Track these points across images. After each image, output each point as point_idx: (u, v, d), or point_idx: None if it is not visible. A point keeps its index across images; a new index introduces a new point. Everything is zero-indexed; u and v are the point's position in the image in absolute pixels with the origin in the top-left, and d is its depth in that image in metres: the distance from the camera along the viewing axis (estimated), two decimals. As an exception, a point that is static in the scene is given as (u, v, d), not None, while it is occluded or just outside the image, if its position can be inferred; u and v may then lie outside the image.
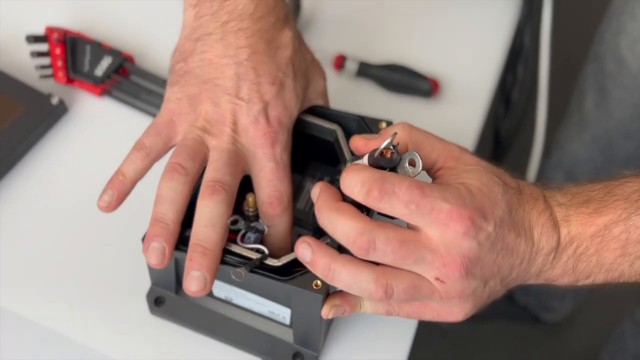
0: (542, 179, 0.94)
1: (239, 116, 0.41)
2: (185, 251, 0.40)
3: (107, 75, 0.59)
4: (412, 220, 0.34)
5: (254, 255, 0.40)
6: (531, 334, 1.21)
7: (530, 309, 1.20)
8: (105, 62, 0.59)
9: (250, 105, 0.41)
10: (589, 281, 0.36)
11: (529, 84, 0.70)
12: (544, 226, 0.35)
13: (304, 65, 0.45)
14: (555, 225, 0.36)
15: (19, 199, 0.53)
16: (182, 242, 0.41)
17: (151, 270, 0.47)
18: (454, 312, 0.37)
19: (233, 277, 0.38)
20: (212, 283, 0.38)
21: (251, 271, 0.40)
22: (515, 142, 0.74)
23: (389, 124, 0.46)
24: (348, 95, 0.61)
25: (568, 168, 0.91)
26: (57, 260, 0.50)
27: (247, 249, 0.41)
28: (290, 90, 0.43)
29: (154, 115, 0.58)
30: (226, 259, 0.40)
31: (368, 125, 0.46)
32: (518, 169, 0.73)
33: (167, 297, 0.48)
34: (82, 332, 0.47)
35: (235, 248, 0.41)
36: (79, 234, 0.52)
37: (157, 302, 0.47)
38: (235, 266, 0.39)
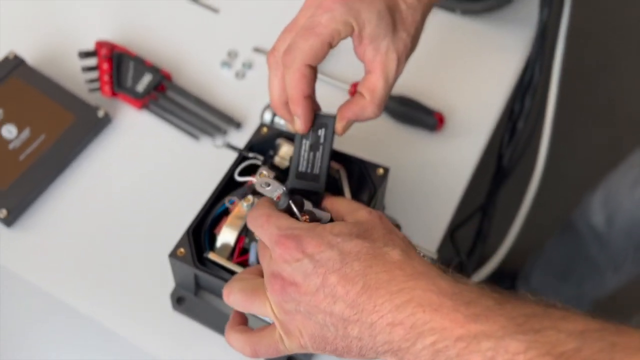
0: (583, 210, 0.94)
1: None
2: (205, 271, 0.48)
3: (147, 91, 0.66)
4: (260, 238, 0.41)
5: None
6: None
7: None
8: (146, 79, 0.66)
9: None
10: None
11: (535, 114, 0.74)
12: (394, 297, 0.34)
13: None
14: (417, 305, 0.33)
15: (68, 199, 0.62)
16: (201, 262, 0.49)
17: (175, 273, 0.55)
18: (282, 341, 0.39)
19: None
20: None
21: None
22: (516, 169, 0.79)
23: (386, 170, 0.52)
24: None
25: (609, 212, 0.90)
26: (97, 257, 0.59)
27: None
28: None
29: (185, 130, 0.66)
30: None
31: (367, 170, 0.52)
32: (518, 195, 0.78)
33: (187, 297, 0.56)
34: (113, 320, 0.56)
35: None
36: (117, 233, 0.60)
37: (179, 301, 0.56)
38: None
